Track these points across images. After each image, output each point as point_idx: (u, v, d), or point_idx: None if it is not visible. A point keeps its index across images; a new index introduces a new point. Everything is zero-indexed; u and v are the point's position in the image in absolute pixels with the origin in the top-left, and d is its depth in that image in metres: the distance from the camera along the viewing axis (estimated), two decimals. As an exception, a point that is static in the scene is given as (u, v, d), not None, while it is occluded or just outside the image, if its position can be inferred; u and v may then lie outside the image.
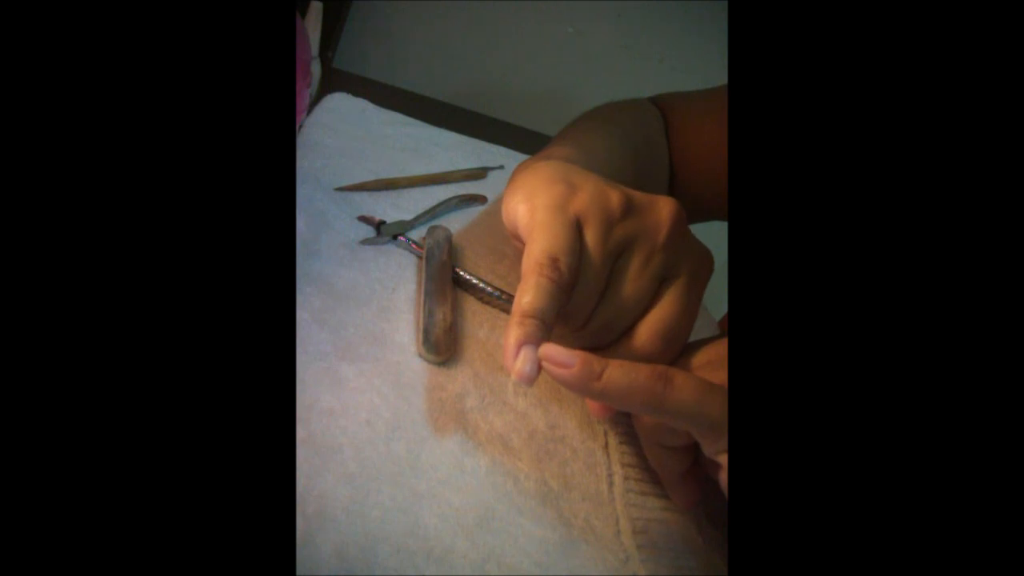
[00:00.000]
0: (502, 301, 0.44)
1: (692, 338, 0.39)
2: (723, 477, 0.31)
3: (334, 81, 0.73)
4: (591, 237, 0.33)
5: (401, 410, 0.35)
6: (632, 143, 0.50)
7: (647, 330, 0.34)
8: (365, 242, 0.46)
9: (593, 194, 0.34)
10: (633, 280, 0.34)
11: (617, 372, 0.29)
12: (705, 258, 0.36)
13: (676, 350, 0.35)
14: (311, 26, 0.65)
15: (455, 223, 0.52)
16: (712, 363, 0.33)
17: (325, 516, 0.29)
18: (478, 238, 0.51)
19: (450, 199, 0.54)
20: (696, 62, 0.95)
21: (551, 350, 0.30)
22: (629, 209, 0.34)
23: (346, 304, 0.40)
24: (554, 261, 0.32)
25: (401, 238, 0.47)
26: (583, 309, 0.34)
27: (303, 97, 0.47)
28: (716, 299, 0.58)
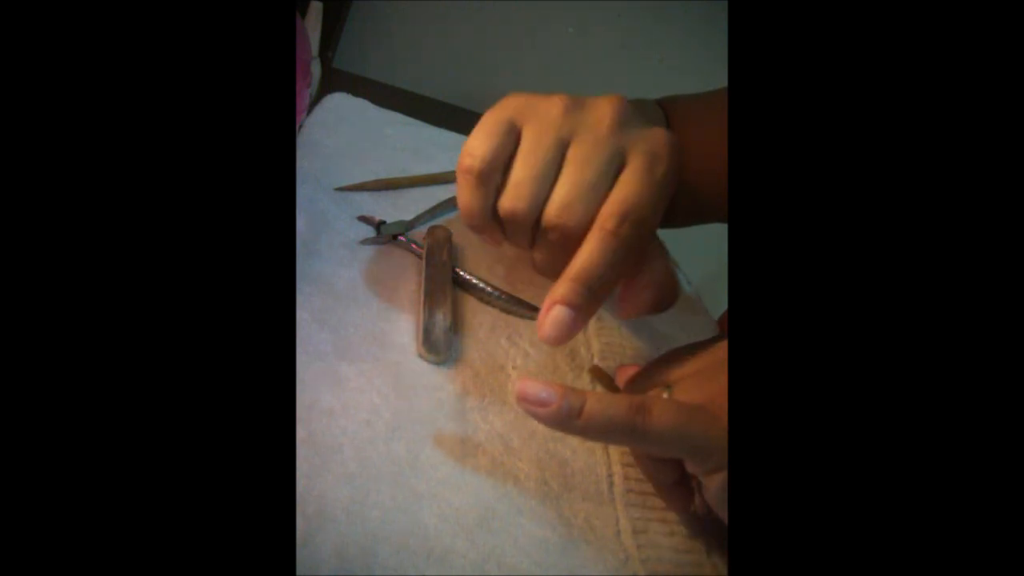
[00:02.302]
0: (502, 301, 0.44)
1: (690, 340, 0.39)
2: (708, 495, 0.31)
3: (334, 81, 0.73)
4: (528, 133, 0.33)
5: (401, 410, 0.35)
6: None
7: (606, 211, 0.32)
8: (365, 242, 0.46)
9: (531, 98, 0.34)
10: (580, 169, 0.33)
11: (597, 405, 0.29)
12: (660, 139, 0.34)
13: (642, 232, 0.33)
14: (311, 26, 0.65)
15: (455, 223, 0.52)
16: (702, 372, 0.33)
17: (325, 516, 0.29)
18: (478, 238, 0.51)
19: (450, 199, 0.54)
20: (696, 62, 0.94)
21: (528, 387, 0.30)
22: (570, 108, 0.34)
23: (346, 304, 0.40)
24: (467, 155, 0.32)
25: (401, 238, 0.47)
26: (532, 204, 0.33)
27: (303, 97, 0.47)
28: (716, 299, 0.58)
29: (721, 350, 0.34)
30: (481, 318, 0.43)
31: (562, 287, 0.32)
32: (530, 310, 0.45)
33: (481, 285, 0.45)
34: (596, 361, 0.43)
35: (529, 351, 0.42)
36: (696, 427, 0.29)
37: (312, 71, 0.59)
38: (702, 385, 0.32)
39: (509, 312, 0.45)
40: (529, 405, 0.29)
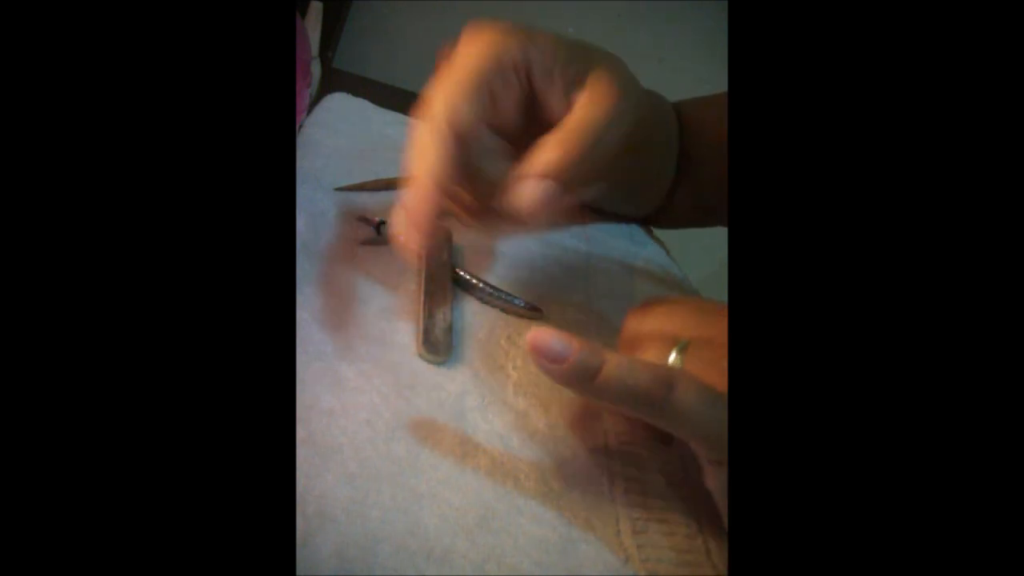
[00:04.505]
0: (502, 301, 0.44)
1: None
2: (707, 482, 0.30)
3: (334, 81, 0.73)
4: None
5: (401, 410, 0.35)
6: (647, 107, 0.51)
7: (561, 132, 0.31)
8: (365, 242, 0.46)
9: None
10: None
11: (616, 371, 0.26)
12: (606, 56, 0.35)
13: (598, 151, 0.32)
14: (311, 26, 0.65)
15: (455, 223, 0.52)
16: (717, 343, 0.30)
17: (325, 516, 0.29)
18: (478, 238, 0.51)
19: (450, 199, 0.53)
20: (696, 62, 0.95)
21: (542, 337, 0.27)
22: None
23: (346, 304, 0.40)
24: None
25: (401, 238, 0.47)
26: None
27: (303, 97, 0.47)
28: (716, 299, 0.58)
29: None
30: (481, 318, 0.43)
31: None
32: (530, 310, 0.45)
33: (481, 285, 0.45)
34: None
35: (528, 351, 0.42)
36: (717, 415, 0.27)
37: (312, 71, 0.59)
38: (718, 361, 0.29)
39: (509, 312, 0.45)
40: (542, 359, 0.27)
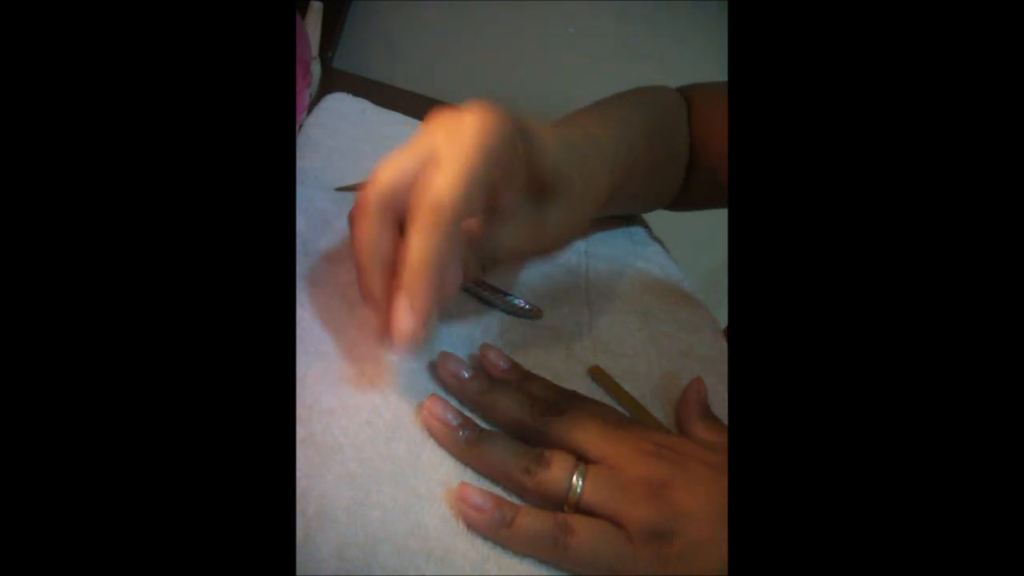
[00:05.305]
0: (501, 301, 0.44)
1: (690, 338, 0.38)
2: None
3: (334, 81, 0.73)
4: None
5: (402, 410, 0.35)
6: (650, 122, 0.52)
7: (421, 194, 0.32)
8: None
9: None
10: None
11: (526, 520, 0.30)
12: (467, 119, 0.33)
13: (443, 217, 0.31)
14: (311, 26, 0.65)
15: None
16: (617, 470, 0.32)
17: (325, 516, 0.29)
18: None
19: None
20: (696, 62, 0.95)
21: (467, 492, 0.31)
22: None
23: (347, 304, 0.40)
24: None
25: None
26: None
27: (303, 97, 0.47)
28: (717, 297, 0.58)
29: (636, 436, 0.34)
30: (481, 318, 0.43)
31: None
32: (529, 311, 0.45)
33: (481, 285, 0.45)
34: (595, 361, 0.43)
35: (527, 351, 0.42)
36: (607, 548, 0.30)
37: (312, 71, 0.59)
38: (614, 482, 0.32)
39: (508, 312, 0.45)
40: (465, 507, 0.31)
